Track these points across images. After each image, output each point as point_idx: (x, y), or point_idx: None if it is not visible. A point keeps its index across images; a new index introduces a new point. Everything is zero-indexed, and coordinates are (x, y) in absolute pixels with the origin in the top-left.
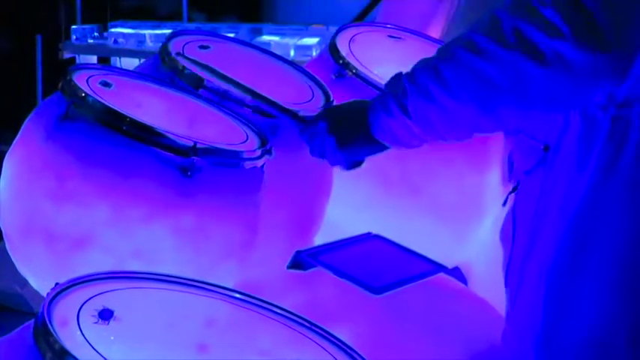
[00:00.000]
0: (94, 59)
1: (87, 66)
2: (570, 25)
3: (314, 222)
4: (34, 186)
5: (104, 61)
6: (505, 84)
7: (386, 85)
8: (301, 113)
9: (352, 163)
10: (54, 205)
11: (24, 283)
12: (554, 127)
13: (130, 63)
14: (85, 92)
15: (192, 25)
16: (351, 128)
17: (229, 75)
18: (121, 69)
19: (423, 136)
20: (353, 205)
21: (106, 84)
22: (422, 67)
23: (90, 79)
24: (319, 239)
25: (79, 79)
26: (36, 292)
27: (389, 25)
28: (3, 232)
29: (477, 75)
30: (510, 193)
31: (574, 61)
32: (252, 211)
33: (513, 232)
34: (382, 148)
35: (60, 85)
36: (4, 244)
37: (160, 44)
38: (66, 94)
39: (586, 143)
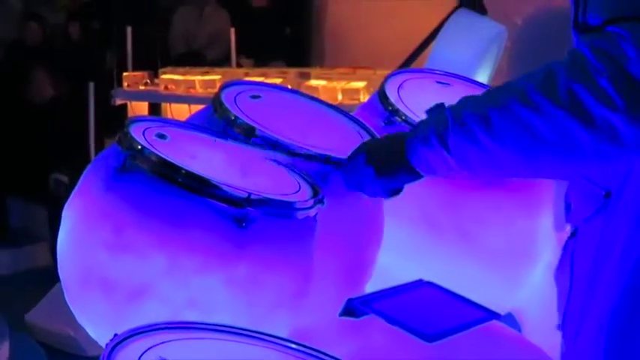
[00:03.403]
0: (145, 105)
1: (143, 118)
2: (625, 100)
3: (365, 269)
4: (91, 236)
5: (155, 107)
6: (552, 139)
7: (427, 113)
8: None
9: (391, 192)
10: (111, 255)
11: (77, 326)
12: (616, 172)
13: (181, 108)
14: (141, 144)
15: (240, 71)
16: (388, 157)
17: (281, 123)
18: (176, 121)
19: (459, 170)
20: (404, 252)
21: (161, 136)
22: (469, 106)
23: (146, 132)
24: (371, 287)
25: (136, 132)
26: (89, 336)
27: (437, 71)
28: (62, 280)
29: (524, 126)
30: (569, 238)
31: (624, 133)
32: (306, 260)
33: (571, 277)
34: (419, 176)
35: (117, 137)
36: (58, 287)
37: (210, 89)
38: (123, 146)
39: None
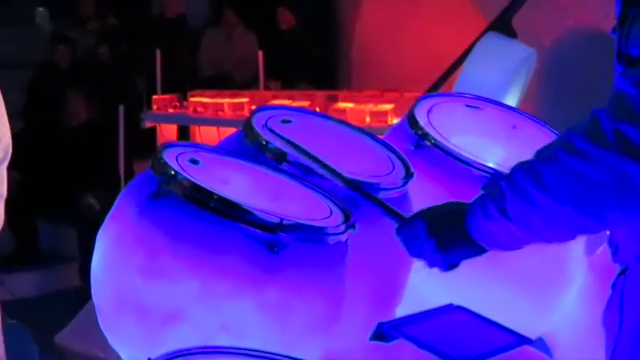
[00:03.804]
0: (174, 128)
1: (176, 144)
2: None
3: (396, 294)
4: (126, 261)
5: (184, 129)
6: (606, 184)
7: (483, 187)
8: (382, 194)
9: (450, 265)
10: (145, 280)
11: (107, 348)
12: None
13: (209, 131)
14: (174, 170)
15: (268, 93)
16: (450, 231)
17: (311, 148)
18: (208, 146)
19: (524, 238)
20: (434, 276)
21: (194, 161)
22: (520, 169)
23: (179, 157)
24: (401, 311)
25: (169, 157)
26: (119, 358)
27: (467, 95)
28: (95, 304)
29: (576, 176)
30: (618, 276)
31: None
32: (337, 285)
33: (620, 317)
34: (482, 250)
35: (151, 162)
36: (87, 308)
37: (238, 112)
38: (156, 171)
39: None
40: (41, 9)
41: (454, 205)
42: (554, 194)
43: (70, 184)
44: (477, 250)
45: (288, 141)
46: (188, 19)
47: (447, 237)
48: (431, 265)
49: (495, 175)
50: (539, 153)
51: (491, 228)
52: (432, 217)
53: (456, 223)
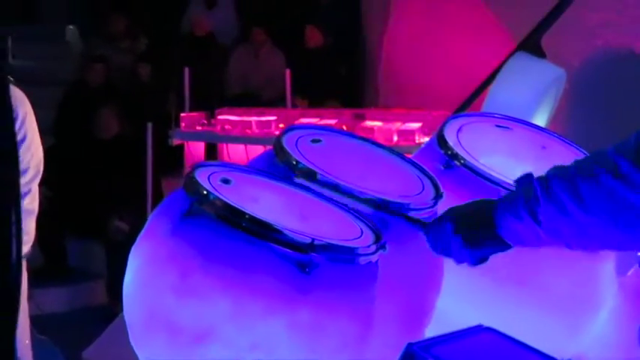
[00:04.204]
0: (201, 145)
1: (208, 163)
2: None
3: (425, 314)
4: (158, 280)
5: (211, 147)
6: None
7: (515, 184)
8: (412, 214)
9: (478, 259)
10: (177, 299)
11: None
12: None
13: (237, 148)
14: (206, 190)
15: (295, 112)
16: (477, 228)
17: (341, 168)
18: (239, 165)
19: (550, 241)
20: (464, 297)
21: (226, 181)
22: (558, 178)
23: (211, 176)
24: (430, 332)
25: (201, 177)
26: None
27: (496, 115)
28: (127, 322)
29: (616, 198)
30: None
31: None
32: (367, 305)
33: None
34: (507, 246)
35: (183, 182)
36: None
37: (265, 130)
38: (189, 191)
39: None
40: (71, 27)
41: (480, 203)
42: (591, 211)
43: (99, 201)
44: (505, 246)
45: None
46: (217, 37)
47: (474, 234)
48: (459, 260)
49: (528, 175)
50: (579, 166)
51: (518, 228)
52: (458, 214)
53: (483, 220)
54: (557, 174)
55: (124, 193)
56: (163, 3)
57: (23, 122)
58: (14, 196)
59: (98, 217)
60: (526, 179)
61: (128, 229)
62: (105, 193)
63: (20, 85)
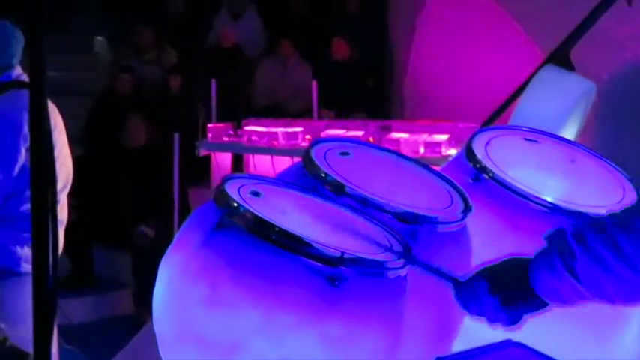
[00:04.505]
0: (228, 156)
1: (238, 176)
2: None
3: (453, 328)
4: (188, 291)
5: (237, 158)
6: None
7: (547, 241)
8: (441, 227)
9: (514, 320)
10: (207, 310)
11: None
12: None
13: (263, 160)
14: (236, 202)
15: (322, 123)
16: (512, 288)
17: (370, 181)
18: (269, 178)
19: (592, 298)
20: None
21: (255, 193)
22: (594, 231)
23: (241, 189)
24: (458, 345)
25: (231, 189)
26: None
27: (525, 128)
28: (157, 333)
29: None
30: None
31: None
32: (396, 318)
33: None
34: (544, 305)
35: (214, 194)
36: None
37: (292, 141)
38: (219, 203)
39: None
40: (100, 38)
41: (514, 261)
42: (633, 264)
43: (126, 209)
44: (541, 305)
45: None
46: (243, 49)
47: (510, 293)
48: (493, 320)
49: (560, 230)
50: (617, 218)
51: (557, 286)
52: (492, 274)
53: (518, 279)
54: (592, 227)
55: (149, 202)
56: (190, 14)
57: (52, 133)
58: (51, 207)
59: (125, 226)
60: (559, 234)
61: (153, 235)
62: (131, 202)
63: (50, 95)
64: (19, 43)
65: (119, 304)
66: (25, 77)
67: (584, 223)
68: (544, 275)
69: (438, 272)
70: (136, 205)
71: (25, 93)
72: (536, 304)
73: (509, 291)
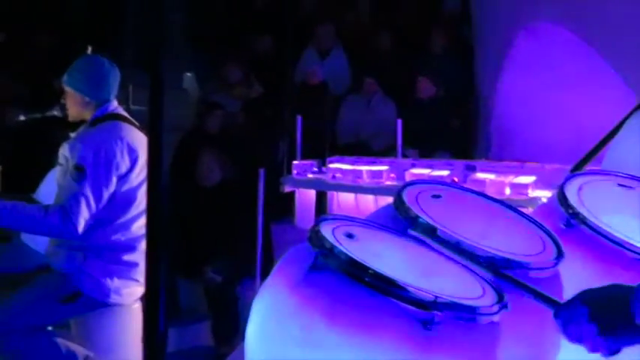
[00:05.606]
0: (312, 193)
1: (332, 217)
2: None
3: None
4: (281, 332)
5: (321, 195)
6: None
7: None
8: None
9: (613, 350)
10: (301, 352)
11: None
12: None
13: (347, 197)
14: (331, 244)
15: (407, 162)
16: (613, 316)
17: (461, 224)
18: (362, 219)
19: None
20: (583, 355)
21: (349, 235)
22: None
23: (335, 230)
24: None
25: (326, 230)
26: None
27: (620, 174)
28: None
29: None
30: None
31: None
32: None
33: None
34: None
35: (308, 235)
36: None
37: (377, 180)
38: (314, 244)
39: None
40: (189, 74)
41: (617, 288)
42: None
43: (197, 248)
44: None
45: None
46: (329, 87)
47: (611, 322)
48: (592, 350)
49: None
50: None
51: None
52: (593, 301)
53: (620, 308)
54: None
55: (220, 241)
56: (277, 52)
57: (144, 166)
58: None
59: (206, 260)
60: None
61: (220, 280)
62: (203, 241)
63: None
64: (115, 78)
65: (199, 335)
66: (121, 110)
67: None
68: None
69: (536, 294)
70: (206, 243)
71: (119, 125)
72: (637, 334)
73: (609, 319)
